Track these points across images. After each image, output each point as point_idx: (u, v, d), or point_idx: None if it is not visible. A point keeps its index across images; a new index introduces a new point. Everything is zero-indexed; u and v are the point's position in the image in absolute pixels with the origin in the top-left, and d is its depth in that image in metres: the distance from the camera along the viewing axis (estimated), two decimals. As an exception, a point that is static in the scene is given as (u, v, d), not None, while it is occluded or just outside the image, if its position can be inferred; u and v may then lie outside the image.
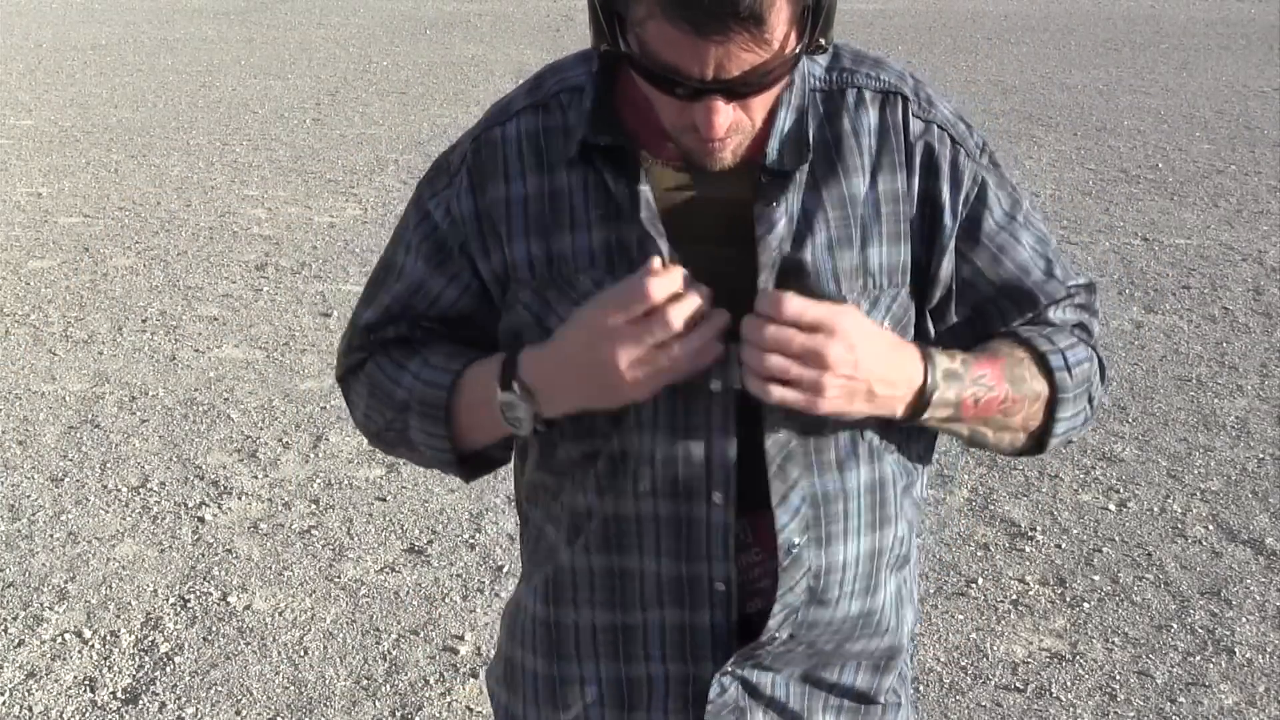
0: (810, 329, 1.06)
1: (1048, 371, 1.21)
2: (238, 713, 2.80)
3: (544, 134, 1.19)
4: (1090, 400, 1.27)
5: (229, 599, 3.23)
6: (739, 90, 1.05)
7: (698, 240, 1.15)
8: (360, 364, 1.30)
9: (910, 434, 1.24)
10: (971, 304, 1.22)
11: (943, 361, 1.14)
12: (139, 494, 3.78)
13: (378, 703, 2.84)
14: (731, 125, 1.08)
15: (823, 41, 1.08)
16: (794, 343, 1.06)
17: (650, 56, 1.04)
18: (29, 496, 3.76)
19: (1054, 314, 1.25)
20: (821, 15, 1.05)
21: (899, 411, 1.13)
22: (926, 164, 1.18)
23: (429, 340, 1.26)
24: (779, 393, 1.07)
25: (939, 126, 1.19)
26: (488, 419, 1.19)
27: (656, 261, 1.08)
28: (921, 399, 1.13)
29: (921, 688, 2.89)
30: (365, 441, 4.52)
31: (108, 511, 3.68)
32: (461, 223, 1.21)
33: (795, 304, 1.06)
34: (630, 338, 1.07)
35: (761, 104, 1.10)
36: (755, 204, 1.14)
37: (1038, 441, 1.25)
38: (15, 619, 3.14)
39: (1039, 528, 3.61)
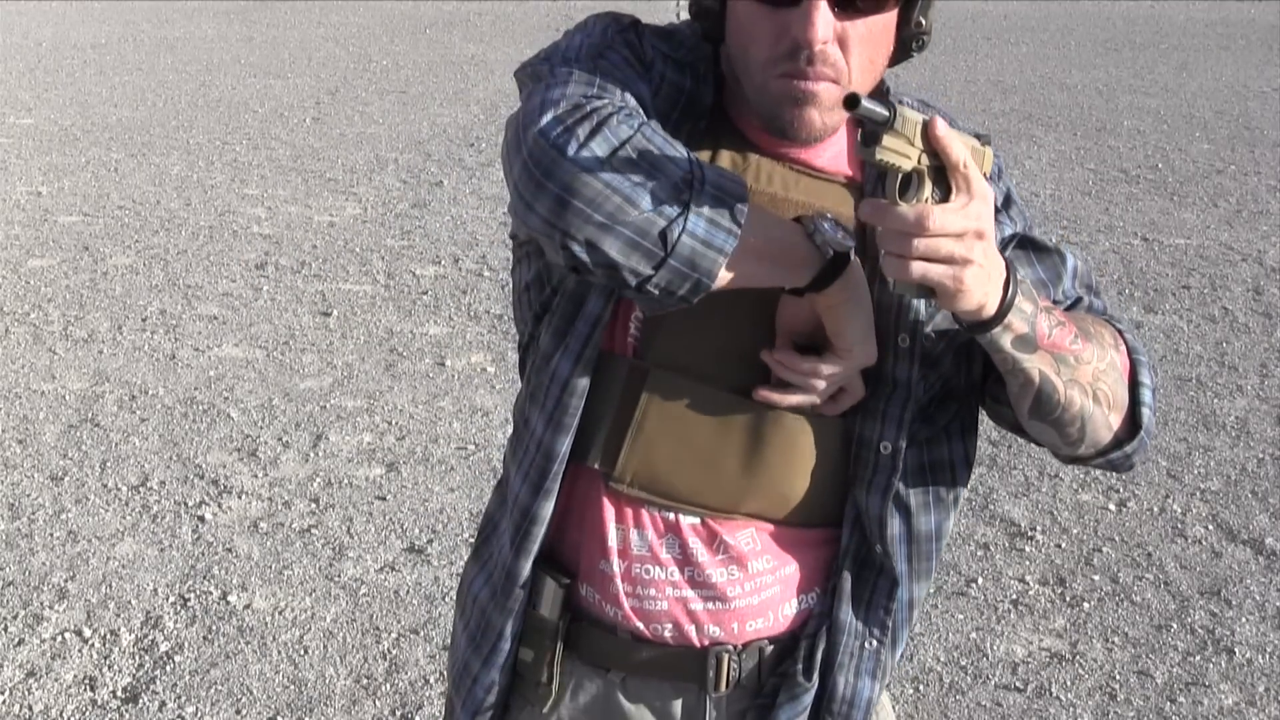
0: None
1: (1113, 331, 1.19)
2: (238, 712, 2.80)
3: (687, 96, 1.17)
4: (1153, 379, 1.22)
5: (229, 598, 3.23)
6: None
7: None
8: (601, 115, 1.02)
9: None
10: None
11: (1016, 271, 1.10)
12: (139, 493, 3.78)
13: (378, 702, 2.84)
14: (830, 58, 1.06)
15: (923, 21, 1.11)
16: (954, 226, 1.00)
17: None
18: (29, 495, 3.76)
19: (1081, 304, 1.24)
20: None
21: (991, 307, 1.05)
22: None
23: None
24: (921, 268, 0.99)
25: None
26: (772, 233, 1.06)
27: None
28: (1007, 292, 1.05)
29: (921, 687, 2.89)
30: (365, 441, 4.49)
31: (108, 510, 3.68)
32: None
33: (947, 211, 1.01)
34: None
35: (862, 44, 1.08)
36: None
37: (1131, 419, 1.17)
38: (15, 618, 3.14)
39: (1039, 528, 3.61)
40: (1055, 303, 1.20)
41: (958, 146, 1.00)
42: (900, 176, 1.01)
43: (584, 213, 0.98)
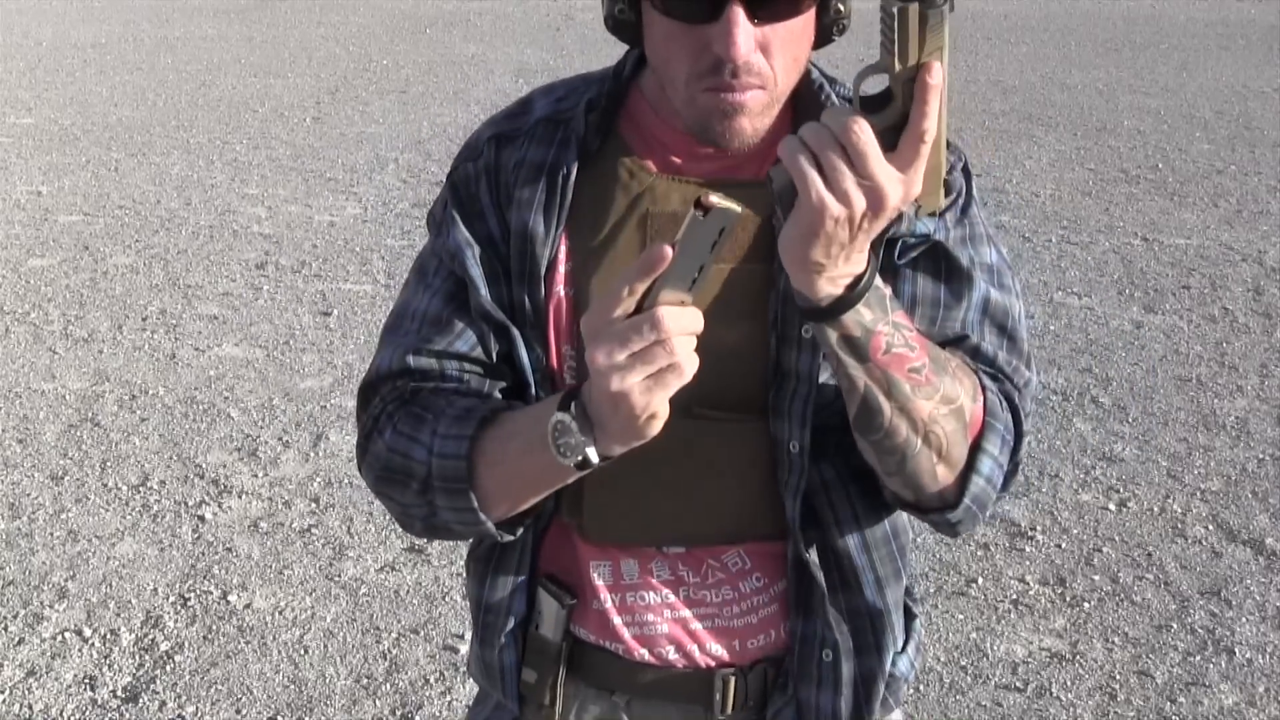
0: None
1: (978, 386, 1.10)
2: (238, 711, 2.80)
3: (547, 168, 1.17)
4: (1014, 461, 1.13)
5: (229, 597, 3.23)
6: (763, 3, 1.01)
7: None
8: (369, 435, 1.18)
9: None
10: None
11: (881, 284, 1.01)
12: (139, 492, 3.78)
13: (378, 701, 2.84)
14: (754, 68, 1.03)
15: (842, 7, 1.08)
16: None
17: None
18: (29, 495, 3.76)
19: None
20: None
21: (838, 288, 0.98)
22: None
23: (437, 405, 1.15)
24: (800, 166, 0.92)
25: None
26: (527, 465, 1.07)
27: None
28: (854, 288, 0.98)
29: (921, 688, 2.90)
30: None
31: (108, 510, 3.68)
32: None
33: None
34: (638, 370, 0.94)
35: (784, 46, 1.05)
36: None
37: (959, 483, 1.09)
38: (15, 617, 3.14)
39: (1039, 528, 3.61)
40: (948, 334, 1.13)
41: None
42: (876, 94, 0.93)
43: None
